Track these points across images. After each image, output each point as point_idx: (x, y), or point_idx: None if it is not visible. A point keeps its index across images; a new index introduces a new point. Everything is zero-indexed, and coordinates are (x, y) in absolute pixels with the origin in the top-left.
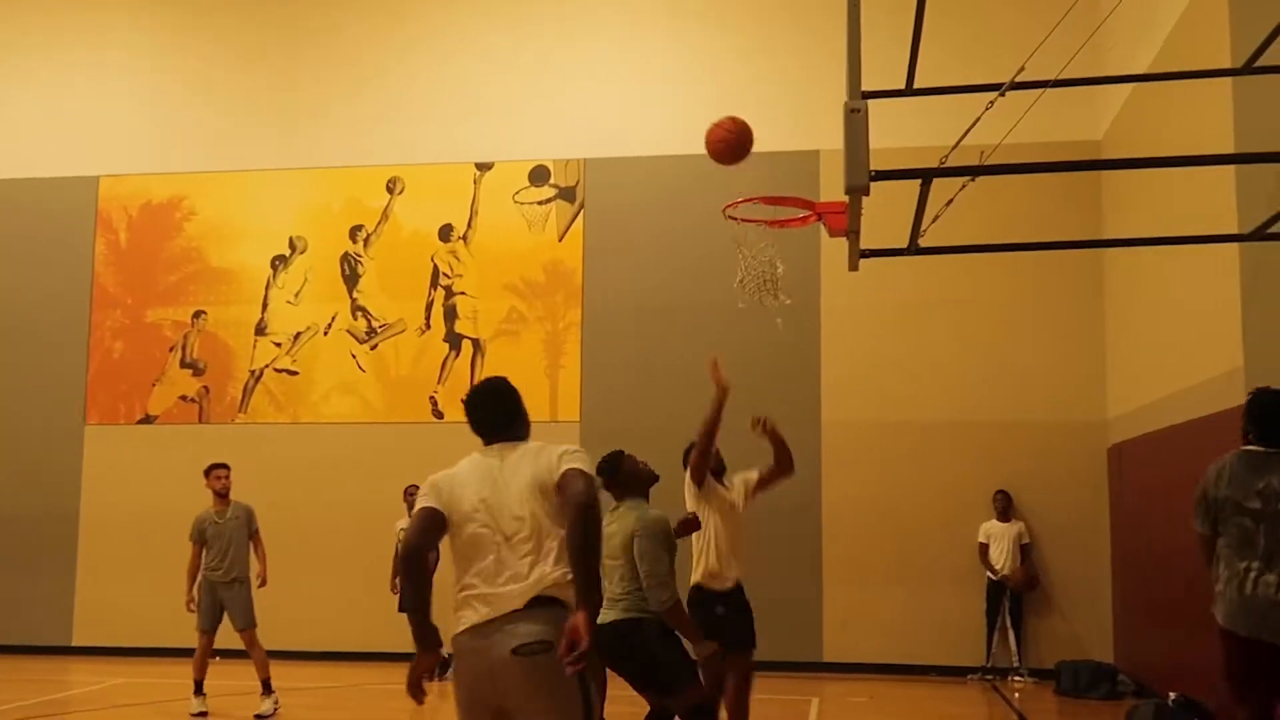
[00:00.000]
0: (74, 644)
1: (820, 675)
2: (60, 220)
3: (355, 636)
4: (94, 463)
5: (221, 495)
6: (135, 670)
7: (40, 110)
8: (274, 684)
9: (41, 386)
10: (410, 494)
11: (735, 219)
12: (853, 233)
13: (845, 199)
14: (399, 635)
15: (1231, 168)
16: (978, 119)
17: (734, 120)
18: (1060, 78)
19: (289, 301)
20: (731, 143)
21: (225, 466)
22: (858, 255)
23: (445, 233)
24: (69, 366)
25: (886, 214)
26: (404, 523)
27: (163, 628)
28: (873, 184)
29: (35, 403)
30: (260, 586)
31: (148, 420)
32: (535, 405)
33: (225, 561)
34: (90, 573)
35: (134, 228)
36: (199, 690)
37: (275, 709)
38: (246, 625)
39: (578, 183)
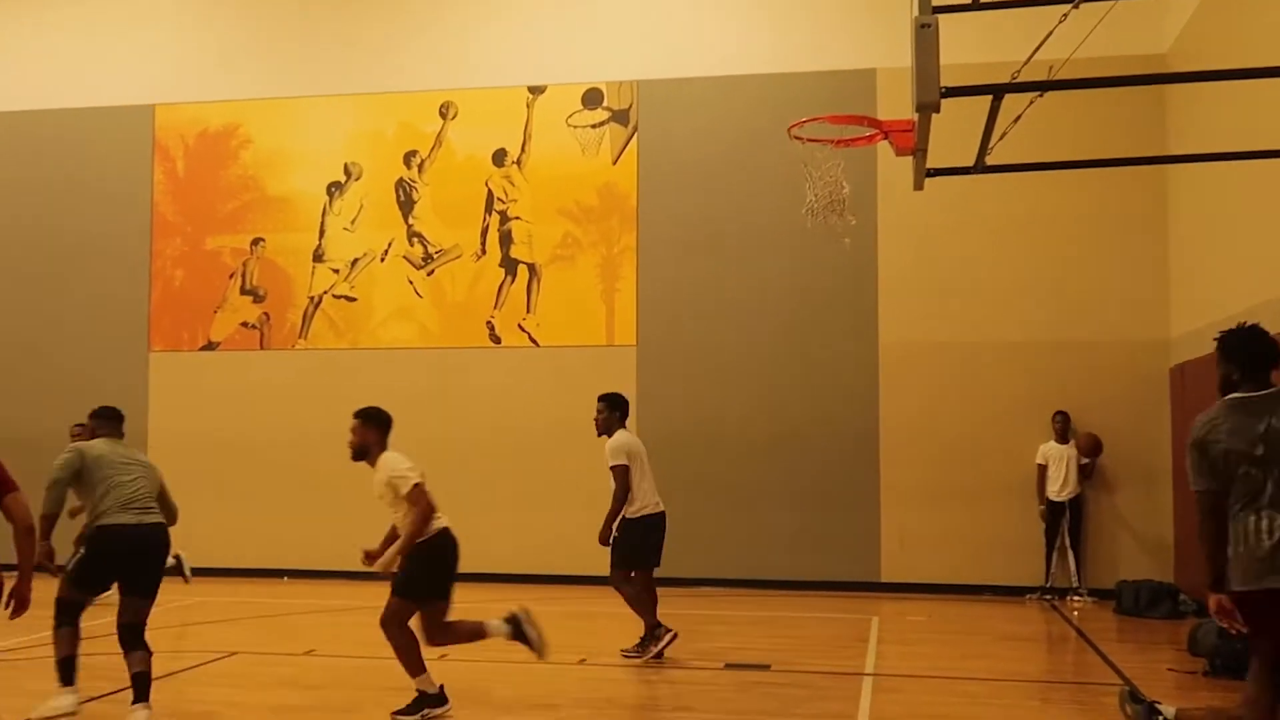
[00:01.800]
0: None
1: (878, 595)
2: (118, 150)
3: None
4: (159, 388)
5: None
6: (210, 589)
7: (94, 39)
8: (336, 604)
9: (106, 314)
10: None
11: (800, 139)
12: (920, 151)
13: (909, 117)
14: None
15: None
16: (1051, 31)
17: None
18: None
19: (345, 228)
20: None
21: None
22: (924, 174)
23: (499, 157)
24: (132, 294)
25: (944, 132)
26: None
27: (231, 548)
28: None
29: (101, 330)
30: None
31: (210, 347)
32: (592, 330)
33: None
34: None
35: (191, 156)
36: None
37: None
38: None
39: (631, 105)
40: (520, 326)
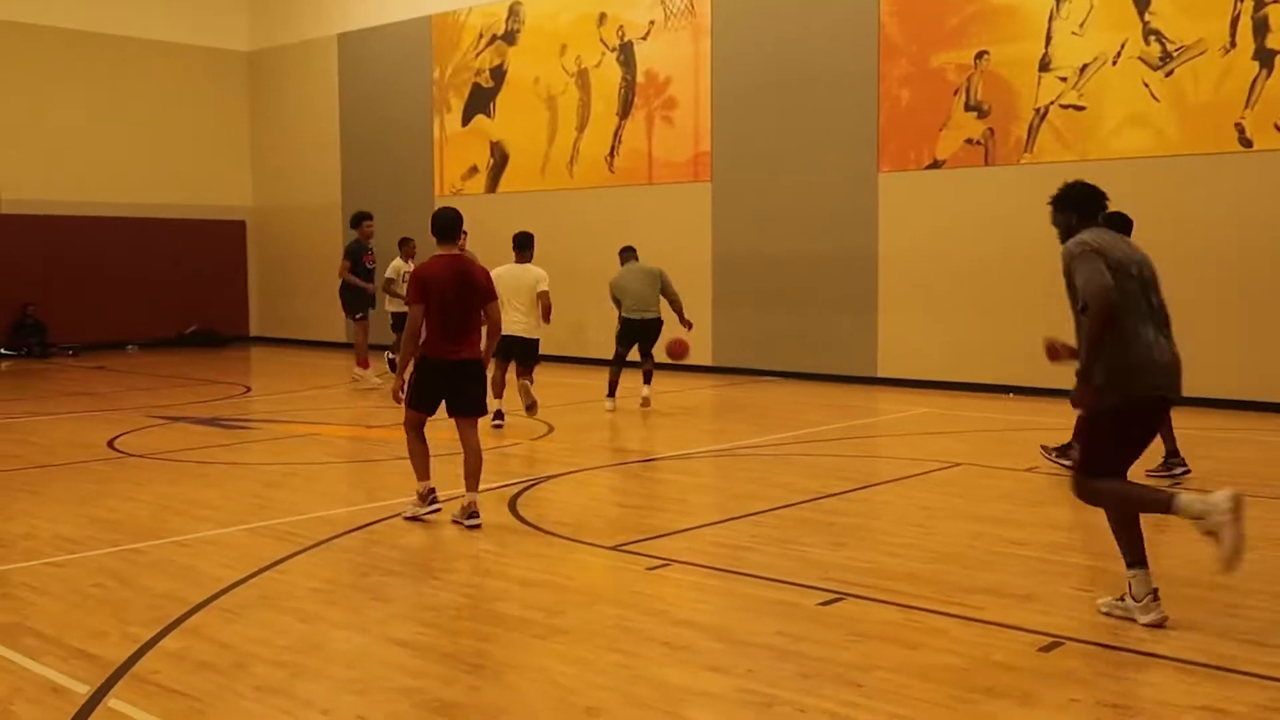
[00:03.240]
0: (879, 375)
1: None
2: None
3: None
4: (888, 207)
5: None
6: (935, 401)
7: None
8: (1059, 421)
9: (837, 137)
10: (404, 244)
11: None
12: None
13: None
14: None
15: None
16: None
17: None
18: None
19: (1074, 32)
20: None
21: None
22: None
23: None
24: (861, 116)
25: None
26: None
27: (953, 363)
28: None
29: (833, 152)
30: None
31: (935, 165)
32: None
33: None
34: (890, 310)
35: None
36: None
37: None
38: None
39: None
40: (1277, 127)
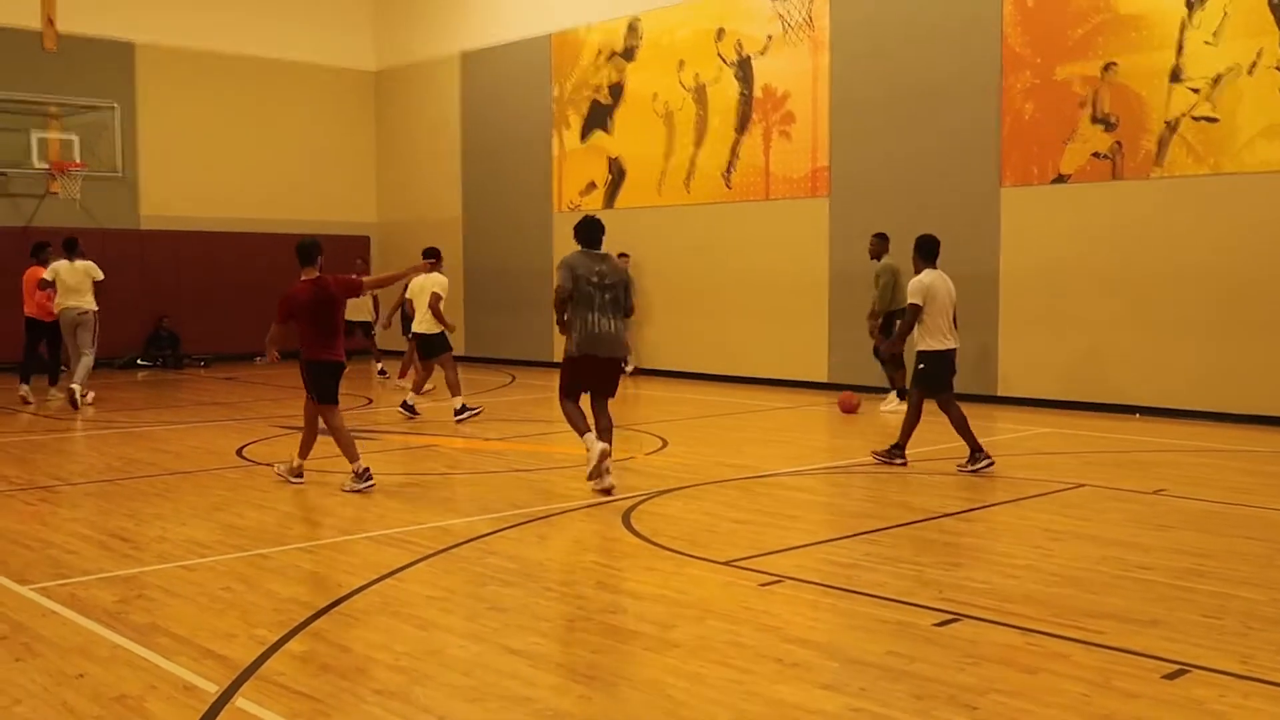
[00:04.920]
0: (999, 394)
1: None
2: None
3: None
4: (1010, 223)
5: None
6: (1056, 421)
7: None
8: (1190, 444)
9: (958, 151)
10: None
11: None
12: None
13: None
14: None
15: None
16: None
17: None
18: None
19: (1207, 42)
20: None
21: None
22: None
23: None
24: (982, 130)
25: None
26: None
27: (1077, 381)
28: None
29: (953, 167)
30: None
31: (1060, 180)
32: None
33: None
34: (1011, 326)
35: None
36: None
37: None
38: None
39: None
40: None
